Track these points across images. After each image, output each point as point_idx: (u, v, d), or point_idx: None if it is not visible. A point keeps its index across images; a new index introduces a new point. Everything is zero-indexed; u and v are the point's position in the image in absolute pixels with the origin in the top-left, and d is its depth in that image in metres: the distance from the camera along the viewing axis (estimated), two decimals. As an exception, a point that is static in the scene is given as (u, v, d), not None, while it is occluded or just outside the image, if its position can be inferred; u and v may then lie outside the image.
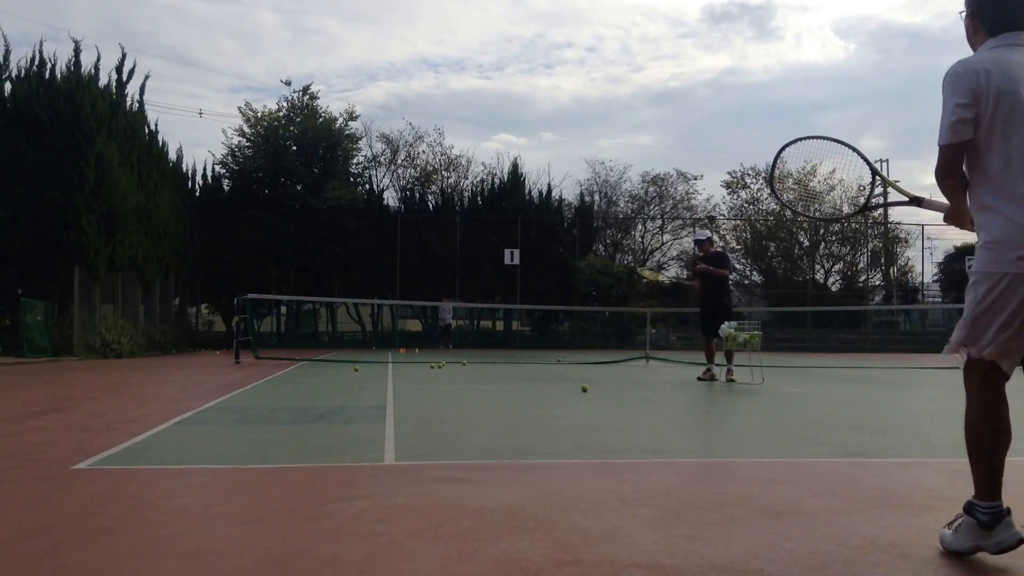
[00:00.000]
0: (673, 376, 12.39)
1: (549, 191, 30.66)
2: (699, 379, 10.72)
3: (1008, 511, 2.48)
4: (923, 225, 33.18)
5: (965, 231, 2.76)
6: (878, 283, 35.71)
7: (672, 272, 34.06)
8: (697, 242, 11.49)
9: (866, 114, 69.72)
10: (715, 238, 11.81)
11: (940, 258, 33.17)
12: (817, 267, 34.68)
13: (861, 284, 35.29)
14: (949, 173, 2.60)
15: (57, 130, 18.09)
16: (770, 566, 2.41)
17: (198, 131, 56.02)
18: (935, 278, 34.36)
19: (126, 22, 67.28)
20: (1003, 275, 2.46)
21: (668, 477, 3.91)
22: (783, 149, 3.56)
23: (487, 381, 11.08)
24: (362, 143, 30.66)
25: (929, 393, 9.77)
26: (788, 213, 34.09)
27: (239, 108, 32.61)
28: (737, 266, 33.11)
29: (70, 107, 18.34)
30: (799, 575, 2.35)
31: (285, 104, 28.83)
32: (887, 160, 38.84)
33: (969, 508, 2.52)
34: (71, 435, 5.29)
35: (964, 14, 2.74)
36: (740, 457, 4.69)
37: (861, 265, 35.23)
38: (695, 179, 34.43)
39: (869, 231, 34.79)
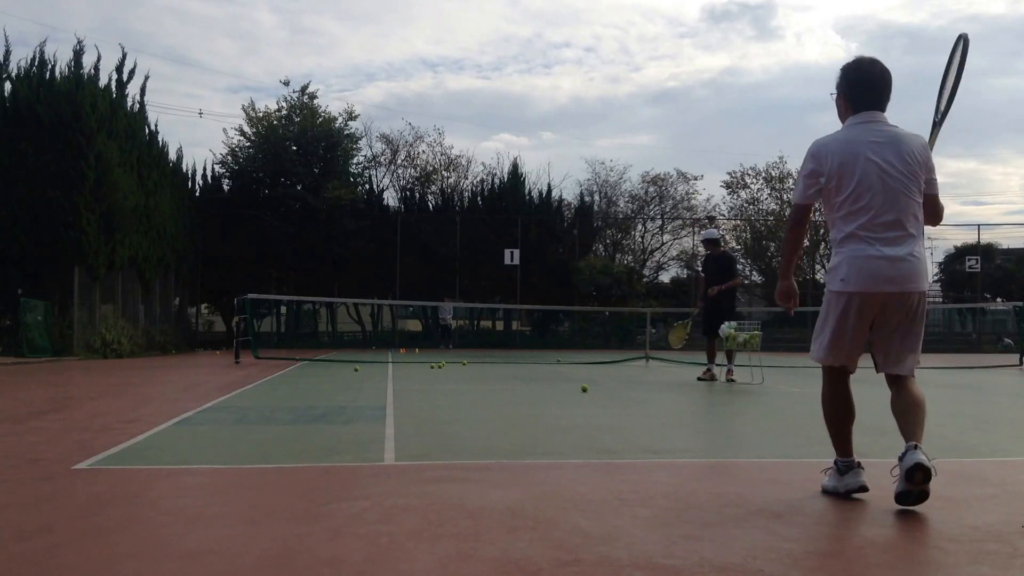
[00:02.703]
0: (673, 376, 12.39)
1: (549, 191, 30.69)
2: (699, 379, 10.72)
3: (859, 464, 3.37)
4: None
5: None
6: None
7: (673, 272, 34.10)
8: (705, 242, 11.47)
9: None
10: (719, 238, 11.76)
11: (940, 258, 33.20)
12: (817, 267, 34.67)
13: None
14: (795, 225, 3.56)
15: (57, 130, 18.08)
16: (770, 566, 2.41)
17: (198, 131, 56.00)
18: (935, 278, 34.34)
19: (124, 22, 67.37)
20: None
21: (668, 477, 3.91)
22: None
23: (487, 381, 11.08)
24: (362, 143, 30.68)
25: (928, 393, 9.75)
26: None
27: (243, 107, 32.64)
28: (738, 266, 33.09)
29: (70, 107, 18.32)
30: (799, 575, 2.35)
31: (285, 104, 28.86)
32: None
33: (835, 461, 3.45)
34: (71, 435, 5.28)
35: (835, 95, 3.49)
36: (740, 457, 4.69)
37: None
38: (695, 179, 34.46)
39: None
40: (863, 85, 3.39)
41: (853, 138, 3.34)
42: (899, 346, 3.32)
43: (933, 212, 3.41)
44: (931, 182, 3.35)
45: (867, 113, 3.38)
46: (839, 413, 3.45)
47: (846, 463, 3.40)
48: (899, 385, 3.36)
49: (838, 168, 3.29)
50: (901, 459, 3.08)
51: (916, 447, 3.08)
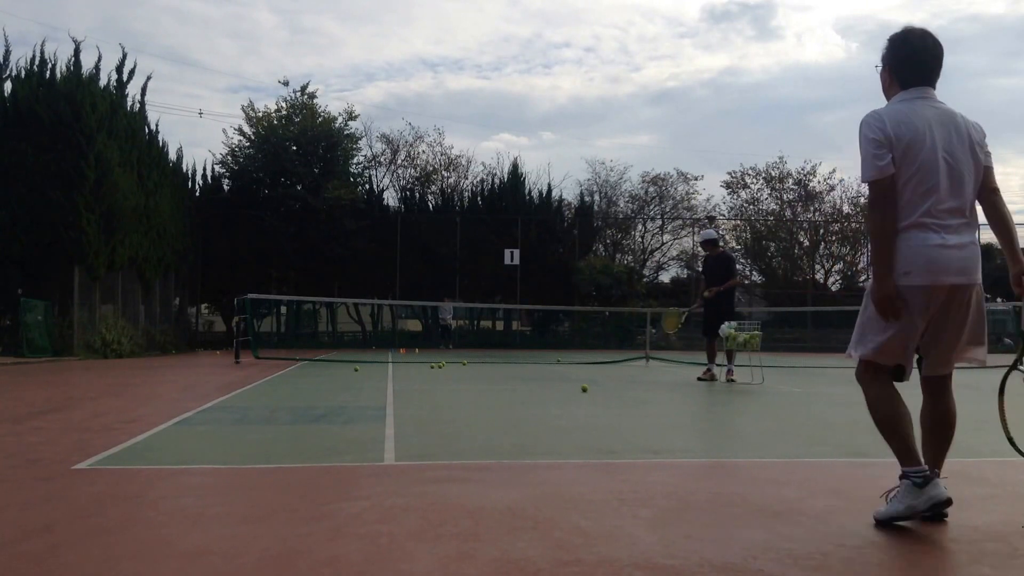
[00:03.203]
0: (673, 376, 12.39)
1: (549, 191, 30.68)
2: (699, 379, 10.72)
3: (937, 473, 2.90)
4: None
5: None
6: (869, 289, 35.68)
7: (673, 272, 34.09)
8: (704, 243, 11.48)
9: (865, 114, 69.65)
10: (717, 239, 11.77)
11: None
12: (817, 267, 34.70)
13: (861, 284, 35.29)
14: (883, 205, 2.94)
15: (57, 130, 18.07)
16: (770, 566, 2.41)
17: (198, 131, 55.97)
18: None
19: (124, 21, 67.36)
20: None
21: (668, 477, 3.91)
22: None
23: (487, 381, 11.08)
24: (362, 143, 30.68)
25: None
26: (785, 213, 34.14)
27: (242, 107, 32.64)
28: (738, 266, 33.11)
29: (70, 107, 18.32)
30: (799, 575, 2.35)
31: (285, 104, 28.86)
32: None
33: (905, 475, 2.88)
34: (71, 435, 5.28)
35: (880, 68, 3.17)
36: (740, 457, 4.69)
37: (861, 265, 35.23)
38: (695, 179, 34.46)
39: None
40: (913, 60, 3.05)
41: (913, 112, 2.97)
42: (955, 343, 2.98)
43: (990, 189, 3.03)
44: (988, 155, 3.04)
45: (917, 89, 3.04)
46: (897, 416, 2.95)
47: (920, 474, 2.85)
48: (939, 393, 3.05)
49: (905, 145, 2.91)
50: (921, 485, 2.83)
51: (939, 477, 2.89)
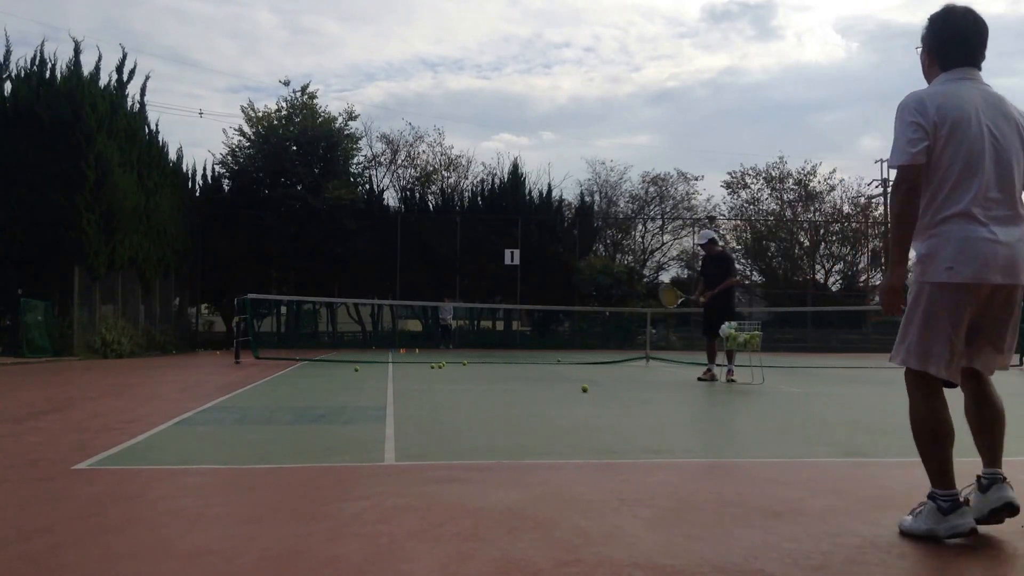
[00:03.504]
0: (673, 376, 12.39)
1: (549, 191, 30.68)
2: (699, 379, 10.72)
3: (967, 501, 2.71)
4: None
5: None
6: (878, 283, 35.73)
7: (673, 271, 34.08)
8: (702, 244, 11.48)
9: (865, 114, 69.74)
10: (716, 238, 11.78)
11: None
12: (817, 267, 34.72)
13: (861, 284, 35.31)
14: (907, 192, 2.72)
15: (57, 130, 18.07)
16: (770, 566, 2.41)
17: (198, 131, 56.07)
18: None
19: (124, 21, 67.39)
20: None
21: (668, 477, 3.91)
22: None
23: (487, 381, 11.08)
24: (362, 143, 30.69)
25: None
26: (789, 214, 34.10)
27: (242, 107, 32.65)
28: (737, 266, 33.11)
29: (70, 107, 18.33)
30: (799, 575, 2.35)
31: (285, 104, 28.87)
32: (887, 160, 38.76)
33: (932, 496, 2.71)
34: (71, 435, 5.28)
35: (920, 49, 2.95)
36: (740, 457, 4.69)
37: (861, 265, 35.27)
38: (696, 179, 34.47)
39: (869, 231, 34.82)
40: (956, 40, 2.83)
41: (958, 93, 2.75)
42: (996, 342, 2.78)
43: None
44: None
45: (961, 71, 2.81)
46: (940, 434, 2.72)
47: (949, 499, 2.67)
48: (982, 389, 2.83)
49: (950, 126, 2.68)
50: (984, 490, 2.71)
51: (1004, 480, 2.70)
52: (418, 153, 31.96)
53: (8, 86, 18.72)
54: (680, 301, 12.56)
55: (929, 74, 2.92)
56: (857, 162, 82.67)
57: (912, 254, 2.79)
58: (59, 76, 19.02)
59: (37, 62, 18.99)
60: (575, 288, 28.21)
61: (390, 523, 2.92)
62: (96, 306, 19.27)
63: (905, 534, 2.76)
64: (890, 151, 2.77)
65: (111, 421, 6.06)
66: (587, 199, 32.15)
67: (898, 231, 2.72)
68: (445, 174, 32.01)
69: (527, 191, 30.30)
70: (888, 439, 5.33)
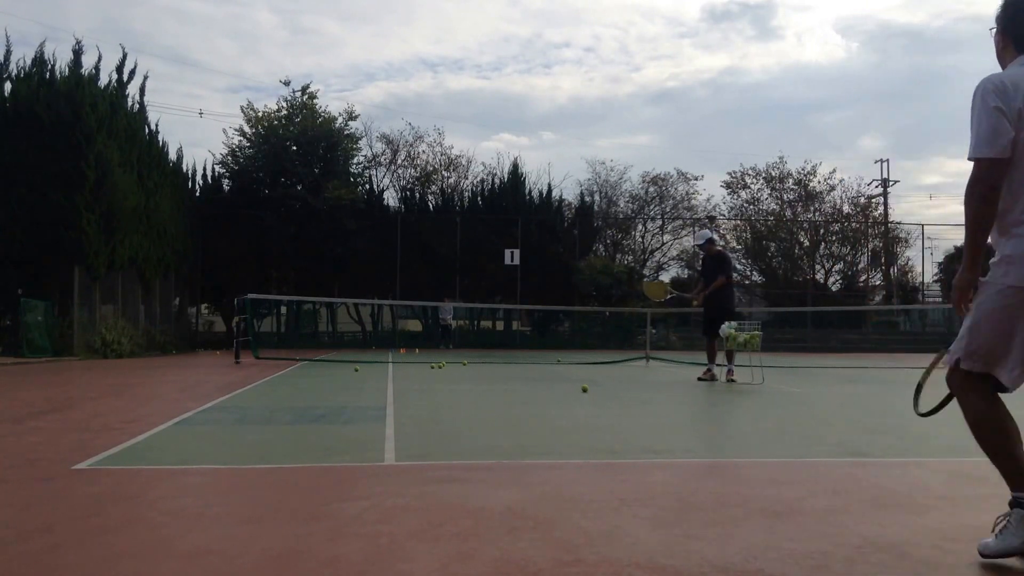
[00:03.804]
0: (673, 376, 12.39)
1: (549, 191, 30.65)
2: (699, 379, 10.71)
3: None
4: (923, 225, 33.31)
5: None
6: (878, 283, 35.76)
7: (673, 271, 34.05)
8: (699, 244, 11.49)
9: (865, 114, 69.72)
10: (715, 238, 11.79)
11: (940, 258, 33.22)
12: (817, 267, 34.70)
13: (861, 284, 35.31)
14: (988, 190, 2.46)
15: (57, 130, 18.07)
16: (770, 566, 2.41)
17: (198, 131, 56.03)
18: (935, 278, 34.39)
19: (124, 21, 67.35)
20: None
21: (668, 477, 3.91)
22: None
23: (487, 381, 11.08)
24: (362, 143, 30.67)
25: (929, 393, 9.76)
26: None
27: (241, 108, 32.64)
28: (737, 266, 33.12)
29: (70, 107, 18.32)
30: (799, 575, 2.35)
31: (285, 104, 28.87)
32: (887, 160, 38.79)
33: (1015, 502, 2.46)
34: (71, 435, 5.28)
35: (995, 31, 2.71)
36: (740, 457, 4.69)
37: (861, 265, 35.26)
38: (695, 179, 34.44)
39: (869, 231, 34.83)
40: None
41: None
42: None
43: None
44: None
45: None
46: (1009, 433, 2.53)
47: None
48: None
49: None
50: None
51: None
52: (418, 153, 31.95)
53: (8, 86, 18.70)
54: (669, 296, 12.59)
55: (1003, 57, 2.68)
56: (857, 162, 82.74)
57: (996, 253, 2.56)
58: (59, 76, 19.00)
59: (37, 62, 18.98)
60: (575, 288, 28.21)
61: (390, 523, 2.92)
62: (96, 306, 19.27)
63: (992, 556, 2.46)
64: (970, 141, 2.47)
65: (111, 421, 6.06)
66: (587, 199, 32.15)
67: (975, 234, 2.48)
68: (445, 174, 32.00)
69: (527, 191, 30.29)
70: (888, 439, 5.33)
